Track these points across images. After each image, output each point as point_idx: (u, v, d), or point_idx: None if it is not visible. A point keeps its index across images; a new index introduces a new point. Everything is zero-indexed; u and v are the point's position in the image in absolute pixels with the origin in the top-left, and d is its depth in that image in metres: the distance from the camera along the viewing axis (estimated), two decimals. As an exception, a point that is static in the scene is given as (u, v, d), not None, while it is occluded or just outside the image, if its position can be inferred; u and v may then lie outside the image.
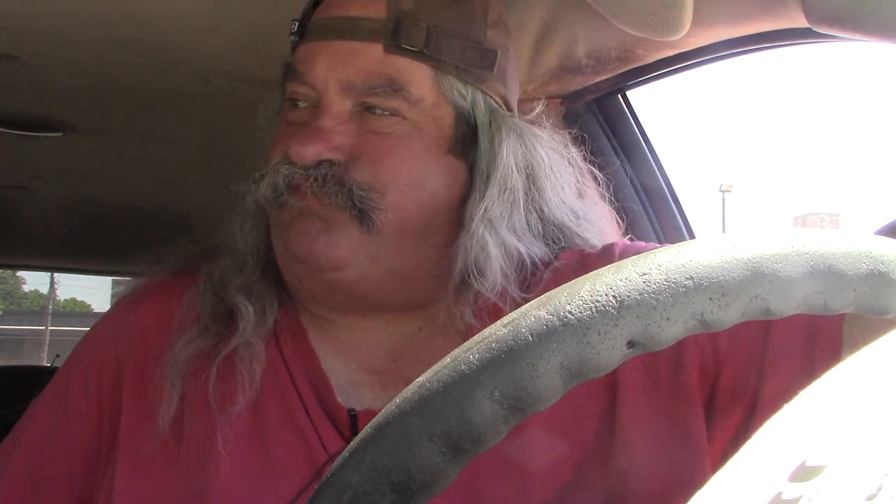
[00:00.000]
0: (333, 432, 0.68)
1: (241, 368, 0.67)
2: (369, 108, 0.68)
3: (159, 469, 0.69)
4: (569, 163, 0.78)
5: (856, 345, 0.32)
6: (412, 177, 0.69)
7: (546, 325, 0.33)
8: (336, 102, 0.68)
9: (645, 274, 0.34)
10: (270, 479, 0.67)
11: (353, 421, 0.68)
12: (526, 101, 1.23)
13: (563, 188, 0.76)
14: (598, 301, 0.33)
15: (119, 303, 0.82)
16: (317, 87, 0.69)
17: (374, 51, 0.68)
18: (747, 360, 0.66)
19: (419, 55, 0.68)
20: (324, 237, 0.67)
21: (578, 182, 0.79)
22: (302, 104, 0.70)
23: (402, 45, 0.68)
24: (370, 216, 0.67)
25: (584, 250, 0.76)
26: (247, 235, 0.74)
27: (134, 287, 0.80)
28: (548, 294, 0.34)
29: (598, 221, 0.80)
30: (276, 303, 0.72)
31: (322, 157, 0.66)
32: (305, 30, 0.72)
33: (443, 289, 0.70)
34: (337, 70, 0.68)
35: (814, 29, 0.72)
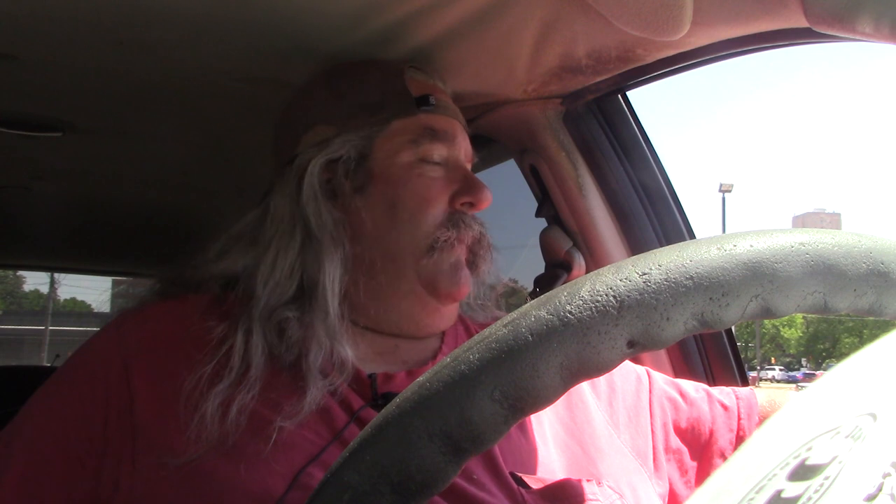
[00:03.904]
0: (354, 395, 0.78)
1: (307, 403, 0.74)
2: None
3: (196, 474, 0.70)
4: None
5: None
6: None
7: (546, 325, 0.33)
8: (465, 164, 0.95)
9: (645, 274, 0.34)
10: (281, 454, 0.71)
11: (373, 382, 0.80)
12: (525, 102, 1.23)
13: None
14: (598, 301, 0.33)
15: (122, 313, 0.86)
16: (457, 150, 0.93)
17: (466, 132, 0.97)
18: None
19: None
20: (468, 280, 0.90)
21: None
22: (437, 161, 0.91)
23: (468, 132, 0.98)
24: (476, 264, 0.91)
25: None
26: (330, 272, 0.84)
27: (136, 303, 0.89)
28: (548, 294, 0.34)
29: None
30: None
31: None
32: (428, 103, 0.92)
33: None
34: (464, 141, 0.95)
35: (814, 29, 0.72)
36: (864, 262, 0.36)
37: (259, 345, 0.78)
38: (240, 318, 0.80)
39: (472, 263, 0.91)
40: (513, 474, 0.73)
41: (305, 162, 0.90)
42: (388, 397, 0.78)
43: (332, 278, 0.83)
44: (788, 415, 0.29)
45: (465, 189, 0.90)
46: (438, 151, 0.91)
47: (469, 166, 0.96)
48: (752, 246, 0.35)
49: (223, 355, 0.76)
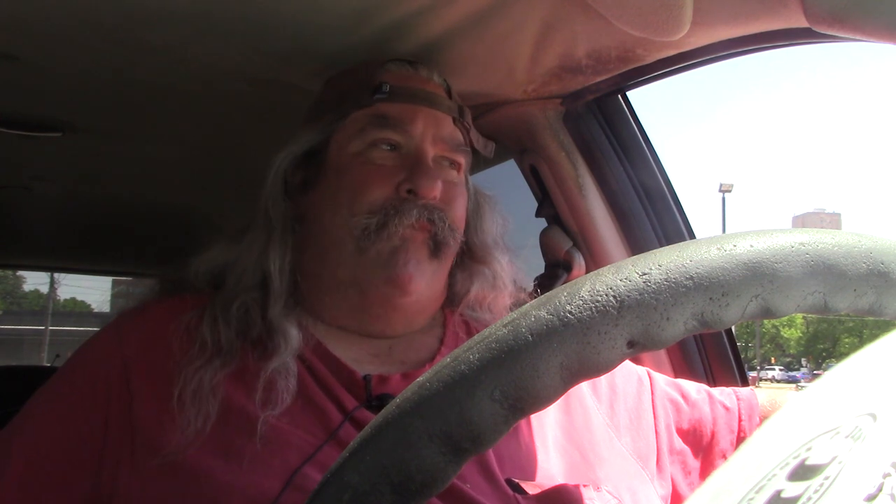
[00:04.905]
0: (348, 396, 0.78)
1: (279, 383, 0.75)
2: (447, 161, 0.92)
3: (189, 472, 0.71)
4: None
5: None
6: (463, 219, 0.93)
7: (546, 325, 0.33)
8: (429, 151, 0.90)
9: (645, 274, 0.34)
10: (276, 453, 0.71)
11: (367, 383, 0.79)
12: (525, 102, 1.23)
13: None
14: (598, 301, 0.33)
15: (122, 314, 0.88)
16: (414, 136, 0.89)
17: (449, 121, 0.94)
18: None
19: (466, 133, 0.97)
20: (418, 266, 0.85)
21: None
22: (387, 148, 0.89)
23: (463, 123, 0.96)
24: (441, 249, 0.88)
25: None
26: (274, 260, 0.86)
27: (136, 303, 0.90)
28: (548, 294, 0.34)
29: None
30: (302, 321, 0.84)
31: (438, 193, 0.87)
32: (394, 93, 0.91)
33: (437, 309, 0.94)
34: (432, 127, 0.91)
35: (814, 29, 0.72)
36: (864, 262, 0.36)
37: (221, 326, 0.80)
38: (208, 307, 0.83)
39: (437, 250, 0.87)
40: (509, 480, 0.73)
41: (276, 158, 0.92)
42: (382, 399, 0.78)
43: (276, 264, 0.86)
44: (788, 415, 0.29)
45: (409, 176, 0.87)
46: (388, 139, 0.89)
47: (454, 155, 0.93)
48: (752, 246, 0.35)
49: (198, 343, 0.79)
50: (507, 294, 0.96)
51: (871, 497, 0.29)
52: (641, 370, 0.95)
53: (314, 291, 0.89)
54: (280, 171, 0.91)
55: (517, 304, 0.96)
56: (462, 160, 0.94)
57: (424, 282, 0.86)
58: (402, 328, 0.89)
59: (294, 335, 0.80)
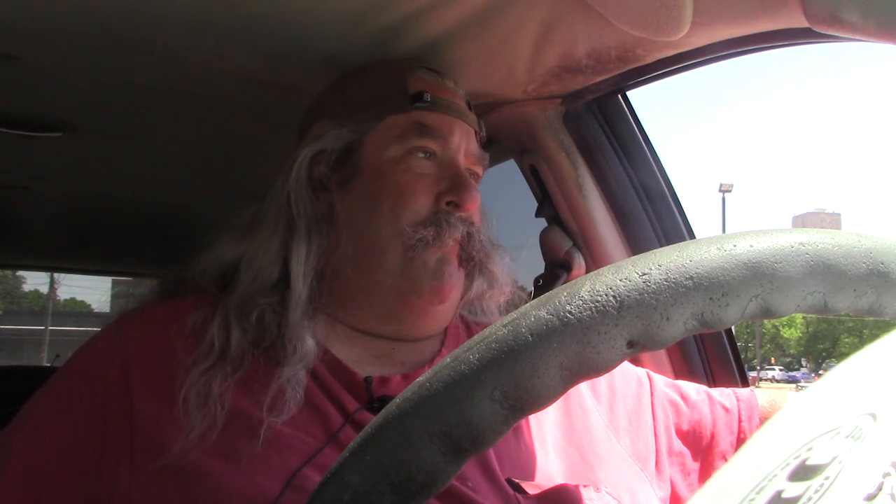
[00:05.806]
0: (349, 397, 0.78)
1: (288, 392, 0.75)
2: (470, 173, 0.93)
3: (191, 475, 0.70)
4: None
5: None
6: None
7: (546, 325, 0.33)
8: (462, 163, 0.92)
9: (645, 274, 0.34)
10: (276, 455, 0.71)
11: (368, 385, 0.79)
12: (525, 102, 1.23)
13: None
14: (598, 301, 0.33)
15: (122, 315, 0.87)
16: (451, 148, 0.91)
17: (473, 133, 0.96)
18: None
19: (479, 144, 0.98)
20: (457, 277, 0.88)
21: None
22: (423, 155, 0.89)
23: (480, 135, 0.99)
24: (469, 262, 0.90)
25: None
26: (298, 261, 0.85)
27: (136, 304, 0.89)
28: (548, 294, 0.34)
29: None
30: (317, 329, 0.83)
31: (477, 206, 0.90)
32: (433, 103, 0.92)
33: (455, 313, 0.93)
34: (464, 141, 0.93)
35: (814, 29, 0.72)
36: (864, 262, 0.36)
37: (235, 332, 0.79)
38: (219, 307, 0.82)
39: (466, 262, 0.89)
40: (510, 480, 0.73)
41: (299, 152, 0.91)
42: (383, 400, 0.78)
43: (301, 265, 0.84)
44: (789, 415, 0.29)
45: (451, 188, 0.88)
46: (427, 147, 0.89)
47: (477, 168, 0.95)
48: (752, 246, 0.35)
49: (206, 344, 0.78)
50: (504, 292, 0.96)
51: (871, 497, 0.29)
52: (641, 372, 0.95)
53: (337, 295, 0.88)
54: (304, 164, 0.90)
55: (514, 301, 0.97)
56: (481, 172, 0.96)
57: (457, 290, 0.89)
58: (431, 332, 0.90)
59: (310, 346, 0.79)
